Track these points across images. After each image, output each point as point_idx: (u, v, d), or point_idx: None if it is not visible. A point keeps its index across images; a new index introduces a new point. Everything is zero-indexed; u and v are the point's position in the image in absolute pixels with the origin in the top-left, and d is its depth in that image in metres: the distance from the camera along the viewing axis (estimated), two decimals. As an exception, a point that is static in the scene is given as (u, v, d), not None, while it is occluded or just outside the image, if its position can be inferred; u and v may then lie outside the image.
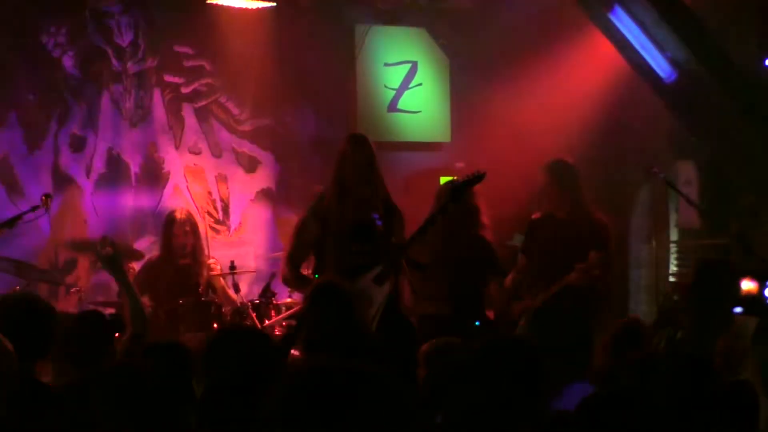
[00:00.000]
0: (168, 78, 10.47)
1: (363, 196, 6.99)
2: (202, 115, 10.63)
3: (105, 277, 9.66)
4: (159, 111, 10.41)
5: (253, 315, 8.75)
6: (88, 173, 10.11)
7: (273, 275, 8.92)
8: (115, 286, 9.18)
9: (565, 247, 7.98)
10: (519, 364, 3.74)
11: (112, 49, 10.18)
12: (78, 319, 5.25)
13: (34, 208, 8.21)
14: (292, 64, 10.74)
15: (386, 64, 11.25)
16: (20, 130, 9.84)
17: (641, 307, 11.02)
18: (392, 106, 11.26)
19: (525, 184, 9.14)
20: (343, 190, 7.08)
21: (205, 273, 8.98)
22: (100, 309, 7.84)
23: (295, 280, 7.02)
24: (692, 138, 10.65)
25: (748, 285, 8.45)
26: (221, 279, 9.08)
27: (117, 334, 5.45)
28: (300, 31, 10.75)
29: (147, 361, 4.48)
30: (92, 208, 10.07)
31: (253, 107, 10.81)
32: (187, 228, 9.08)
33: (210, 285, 8.99)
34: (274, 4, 10.50)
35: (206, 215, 10.51)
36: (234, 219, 10.80)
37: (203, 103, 10.64)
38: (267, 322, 8.72)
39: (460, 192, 7.07)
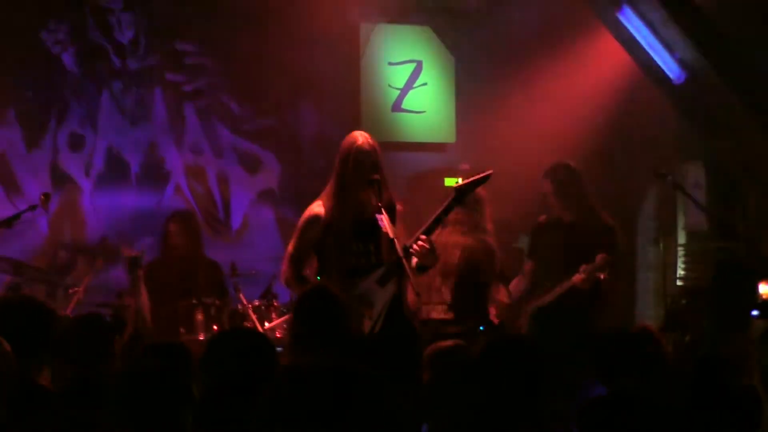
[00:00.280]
0: (169, 76, 10.48)
1: (366, 197, 6.99)
2: (203, 113, 10.64)
3: (103, 277, 9.69)
4: (160, 109, 10.42)
5: (254, 317, 8.76)
6: (87, 172, 10.12)
7: (274, 277, 8.92)
8: (113, 287, 9.23)
9: (572, 249, 8.00)
10: (518, 365, 3.75)
11: (113, 47, 10.19)
12: (77, 321, 5.27)
13: (32, 207, 8.22)
14: (296, 63, 10.73)
15: (391, 63, 11.25)
16: (19, 128, 9.86)
17: (648, 311, 11.02)
18: (396, 106, 11.25)
19: (531, 185, 9.15)
20: (346, 191, 7.07)
21: (205, 274, 9.00)
22: (99, 310, 7.86)
23: (296, 282, 7.01)
24: (701, 140, 10.65)
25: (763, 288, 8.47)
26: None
27: (116, 337, 5.47)
28: (304, 29, 10.75)
29: (146, 361, 4.49)
30: (91, 208, 10.08)
31: (255, 106, 10.81)
32: (185, 230, 9.11)
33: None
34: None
35: (207, 215, 10.53)
36: (235, 220, 10.80)
37: (205, 101, 10.64)
38: (267, 324, 8.73)
39: (465, 193, 7.07)
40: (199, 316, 8.71)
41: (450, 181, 9.86)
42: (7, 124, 9.81)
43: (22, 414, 4.17)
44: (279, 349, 5.12)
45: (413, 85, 11.30)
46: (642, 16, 10.20)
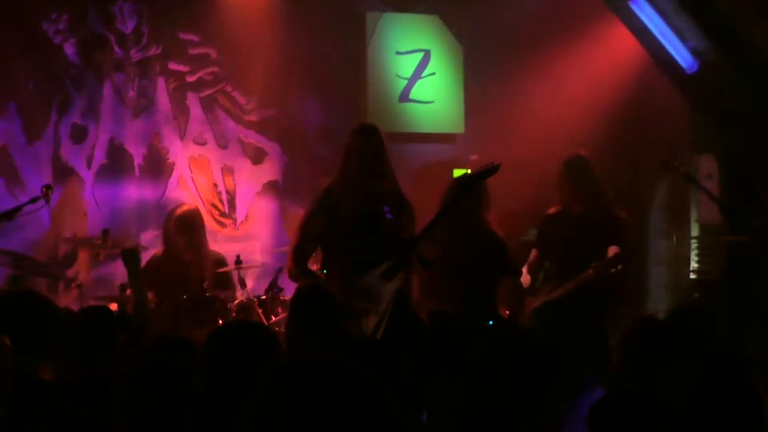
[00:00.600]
0: (172, 66, 10.48)
1: (372, 188, 6.99)
2: (207, 104, 10.64)
3: (105, 271, 9.72)
4: (163, 100, 10.42)
5: (260, 311, 8.77)
6: (89, 164, 10.12)
7: (280, 270, 8.93)
8: (116, 281, 9.25)
9: (582, 243, 8.00)
10: (523, 362, 3.76)
11: (115, 37, 10.18)
12: (80, 315, 5.28)
13: (34, 200, 8.22)
14: (301, 52, 10.74)
15: (398, 53, 11.24)
16: (20, 120, 9.85)
17: (661, 305, 11.02)
18: (404, 96, 11.24)
19: (541, 177, 9.15)
20: (352, 183, 7.08)
21: (209, 268, 9.02)
22: (101, 303, 7.88)
23: (301, 275, 7.02)
24: (713, 131, 10.64)
25: None
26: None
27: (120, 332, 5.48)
28: (309, 18, 10.75)
29: (148, 357, 4.50)
30: (93, 200, 10.09)
31: (261, 97, 10.81)
32: (186, 223, 9.12)
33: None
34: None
35: (211, 208, 10.54)
36: (240, 212, 10.80)
37: (209, 92, 10.64)
38: (273, 318, 8.74)
39: (473, 184, 7.07)
40: (204, 310, 8.72)
41: (459, 173, 9.88)
42: (8, 116, 9.81)
43: (22, 409, 4.19)
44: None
45: (421, 75, 11.29)
46: (654, 4, 10.20)
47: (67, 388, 4.64)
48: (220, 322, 8.54)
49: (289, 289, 9.08)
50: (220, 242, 10.15)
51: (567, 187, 8.23)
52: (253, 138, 10.82)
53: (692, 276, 10.92)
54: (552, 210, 8.35)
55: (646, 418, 3.49)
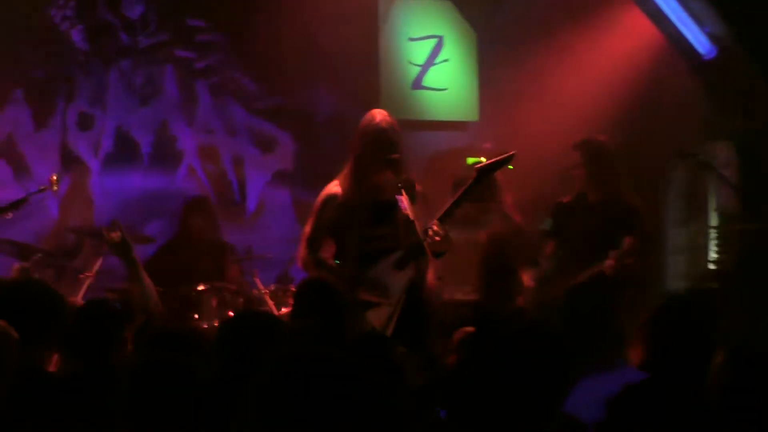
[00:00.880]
0: (180, 53, 10.45)
1: (385, 177, 6.97)
2: (216, 91, 10.61)
3: (114, 262, 9.66)
4: (171, 87, 10.40)
5: (270, 302, 8.76)
6: (96, 153, 10.11)
7: (291, 261, 8.92)
8: (123, 273, 9.23)
9: (598, 231, 7.95)
10: (544, 354, 3.73)
11: (122, 23, 10.17)
12: (86, 307, 5.25)
13: (41, 190, 8.22)
14: (312, 38, 10.69)
15: (411, 39, 11.19)
16: (26, 107, 9.85)
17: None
18: (417, 83, 11.21)
19: (556, 164, 9.11)
20: (364, 171, 7.06)
21: (219, 258, 9.01)
22: (109, 295, 7.87)
23: (313, 264, 7.01)
24: (731, 118, 10.58)
25: None
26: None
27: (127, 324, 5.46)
28: (320, 4, 10.71)
29: (154, 351, 4.48)
30: (100, 190, 10.08)
31: (270, 84, 10.78)
32: (206, 212, 9.13)
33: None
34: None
35: (221, 197, 10.52)
36: (250, 202, 10.78)
37: (217, 79, 10.61)
38: (284, 309, 8.72)
39: (487, 173, 7.03)
40: (213, 302, 8.72)
41: (472, 161, 9.83)
42: (15, 104, 9.81)
43: (28, 402, 4.17)
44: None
45: (434, 62, 11.25)
46: (670, -12, 10.15)
47: (72, 381, 4.62)
48: (231, 313, 8.53)
49: (300, 280, 9.08)
50: (230, 232, 10.12)
51: (583, 174, 8.18)
52: (263, 126, 10.79)
53: (710, 266, 10.87)
54: (567, 198, 8.30)
55: (667, 407, 3.45)
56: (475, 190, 6.99)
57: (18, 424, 4.09)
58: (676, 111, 10.87)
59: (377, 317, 6.85)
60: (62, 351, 5.13)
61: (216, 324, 8.42)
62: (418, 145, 10.29)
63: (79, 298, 7.95)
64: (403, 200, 6.83)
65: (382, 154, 7.00)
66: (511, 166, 7.43)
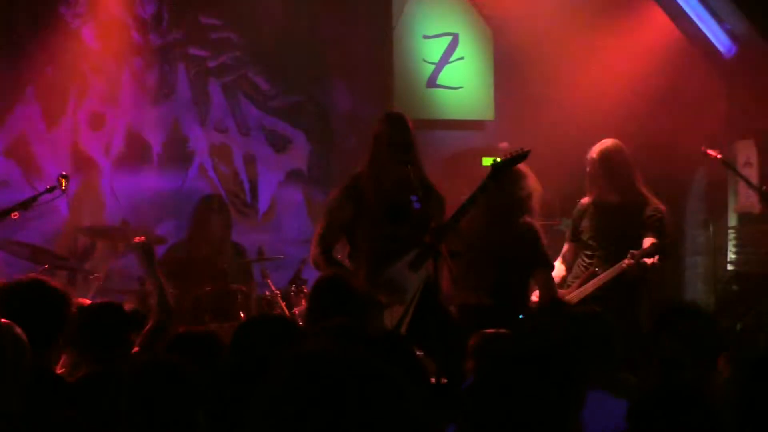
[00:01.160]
0: (193, 51, 10.44)
1: (399, 177, 6.94)
2: (229, 90, 10.59)
3: (124, 263, 9.68)
4: (183, 86, 10.38)
5: (283, 304, 8.74)
6: (107, 152, 10.10)
7: (303, 261, 8.90)
8: (134, 274, 9.23)
9: (617, 233, 7.92)
10: (562, 367, 3.71)
11: (134, 21, 10.16)
12: (94, 311, 5.25)
13: (50, 189, 8.20)
14: (326, 36, 10.69)
15: (425, 37, 11.17)
16: (37, 106, 9.85)
17: (698, 297, 10.93)
18: (431, 82, 11.18)
19: (574, 165, 9.07)
20: (379, 171, 7.04)
21: (231, 259, 9.00)
22: (121, 296, 7.86)
23: (325, 264, 6.98)
24: (752, 116, 10.54)
25: None
26: None
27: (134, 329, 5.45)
28: (334, 1, 10.70)
29: (172, 352, 4.46)
30: (111, 190, 10.07)
31: (284, 82, 10.76)
32: (220, 211, 9.13)
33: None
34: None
35: (233, 198, 10.50)
36: (263, 202, 10.76)
37: (230, 78, 10.60)
38: (296, 311, 8.70)
39: (501, 172, 7.00)
40: (225, 303, 8.71)
41: (488, 161, 9.80)
42: (26, 102, 9.80)
43: (36, 404, 4.16)
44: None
45: (449, 60, 11.22)
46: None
47: (80, 383, 4.61)
48: (242, 315, 8.52)
49: (313, 281, 9.05)
50: (242, 233, 10.10)
51: (601, 175, 8.14)
52: (276, 125, 10.77)
53: (730, 267, 10.83)
54: (586, 199, 8.26)
55: (689, 414, 3.43)
56: (490, 187, 6.96)
57: (24, 427, 4.07)
58: (696, 109, 10.84)
59: (390, 318, 6.83)
60: (70, 354, 5.13)
61: (227, 326, 8.41)
62: (433, 145, 10.25)
63: (87, 300, 7.94)
64: (418, 200, 6.81)
65: (396, 154, 6.97)
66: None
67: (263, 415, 2.37)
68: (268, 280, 9.06)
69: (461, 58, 11.26)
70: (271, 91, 10.73)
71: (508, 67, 11.21)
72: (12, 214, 7.93)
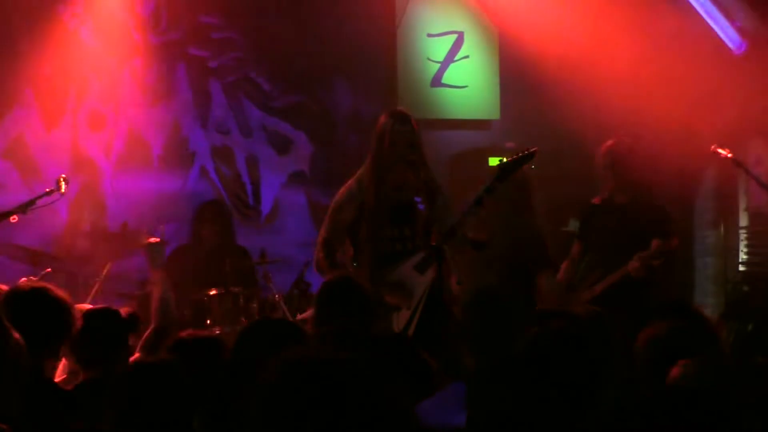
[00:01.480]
0: (193, 51, 10.43)
1: (404, 177, 6.94)
2: (230, 91, 10.58)
3: (124, 267, 9.66)
4: (183, 87, 10.37)
5: (285, 307, 8.74)
6: (107, 154, 10.09)
7: (306, 264, 8.90)
8: (134, 278, 9.22)
9: (626, 234, 7.91)
10: (566, 360, 3.69)
11: (134, 20, 10.14)
12: (91, 317, 5.23)
13: (48, 192, 8.19)
14: (328, 36, 10.67)
15: (430, 35, 11.15)
16: (36, 108, 9.84)
17: (708, 299, 10.91)
18: (436, 81, 11.17)
19: (581, 165, 9.06)
20: (383, 172, 7.03)
21: (233, 262, 8.99)
22: (121, 300, 7.85)
23: (329, 267, 6.97)
24: (763, 113, 10.52)
25: None
26: None
27: (132, 334, 5.44)
28: (337, 0, 10.68)
29: (172, 356, 4.45)
30: (112, 192, 10.06)
31: (286, 83, 10.75)
32: (217, 218, 9.13)
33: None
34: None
35: (235, 200, 10.49)
36: (265, 204, 10.75)
37: (232, 78, 10.59)
38: (299, 315, 8.69)
39: (509, 172, 6.98)
40: (227, 307, 8.70)
41: (494, 161, 9.79)
42: (25, 104, 9.78)
43: (32, 411, 4.15)
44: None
45: (454, 58, 11.20)
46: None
47: (77, 390, 4.60)
48: (243, 320, 8.51)
49: (316, 284, 9.03)
50: (244, 236, 10.09)
51: (610, 175, 8.13)
52: (278, 126, 10.76)
53: (741, 268, 10.82)
54: (594, 200, 8.25)
55: (704, 414, 3.42)
56: (497, 187, 6.94)
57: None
58: (705, 109, 10.81)
59: (397, 320, 6.83)
60: (67, 360, 5.12)
61: (228, 329, 8.40)
62: (438, 144, 10.23)
63: (87, 304, 7.93)
64: (423, 201, 6.80)
65: (400, 154, 6.96)
66: (533, 166, 7.39)
67: (258, 416, 2.36)
68: (270, 284, 9.05)
69: (466, 57, 11.24)
70: (273, 92, 10.72)
71: (513, 66, 11.18)
72: (11, 218, 7.92)
